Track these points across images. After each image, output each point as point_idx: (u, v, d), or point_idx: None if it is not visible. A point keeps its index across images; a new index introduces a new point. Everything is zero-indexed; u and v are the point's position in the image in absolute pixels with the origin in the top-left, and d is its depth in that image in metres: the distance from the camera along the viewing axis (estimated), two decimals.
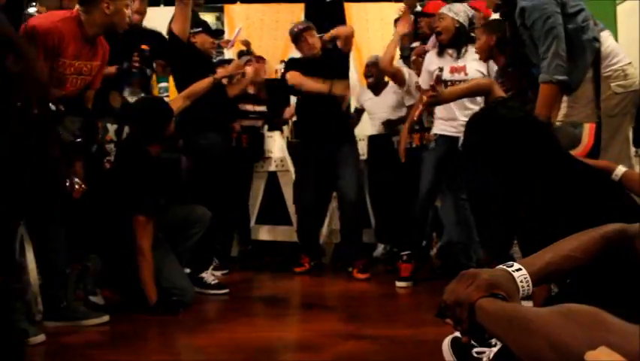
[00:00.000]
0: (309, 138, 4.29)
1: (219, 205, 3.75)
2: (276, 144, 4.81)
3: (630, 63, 2.64)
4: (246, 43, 5.38)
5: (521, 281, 1.05)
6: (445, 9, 3.76)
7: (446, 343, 2.00)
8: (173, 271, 3.21)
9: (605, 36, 2.67)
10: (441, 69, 3.71)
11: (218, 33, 4.31)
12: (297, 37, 4.22)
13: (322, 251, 4.61)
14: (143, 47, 3.86)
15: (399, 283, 3.71)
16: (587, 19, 2.62)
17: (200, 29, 3.94)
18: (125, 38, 3.77)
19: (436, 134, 3.78)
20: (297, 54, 4.42)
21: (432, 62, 3.80)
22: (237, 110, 4.61)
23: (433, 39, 4.12)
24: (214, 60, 4.44)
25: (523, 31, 2.66)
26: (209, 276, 3.67)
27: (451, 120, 3.70)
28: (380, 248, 4.83)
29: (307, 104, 4.28)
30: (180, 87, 3.89)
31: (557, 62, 2.53)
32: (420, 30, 4.39)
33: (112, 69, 3.76)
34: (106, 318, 2.89)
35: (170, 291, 3.13)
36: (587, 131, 2.52)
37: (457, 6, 3.70)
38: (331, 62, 4.22)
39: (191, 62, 3.83)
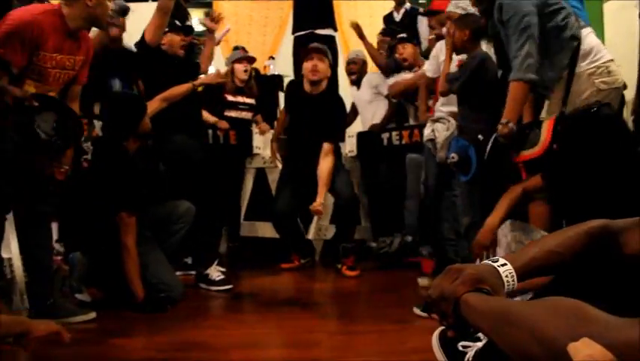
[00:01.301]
0: (295, 154, 4.30)
1: (209, 202, 3.74)
2: (265, 141, 4.80)
3: (612, 60, 2.65)
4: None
5: (506, 276, 1.05)
6: (451, 6, 3.68)
7: (435, 336, 2.01)
8: (160, 267, 3.20)
9: (586, 32, 2.67)
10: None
11: (187, 30, 4.20)
12: (305, 53, 4.24)
13: (312, 249, 4.57)
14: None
15: (421, 281, 3.60)
16: (568, 17, 2.63)
17: (166, 30, 3.83)
18: (108, 57, 3.80)
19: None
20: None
21: (442, 51, 3.73)
22: (226, 102, 4.62)
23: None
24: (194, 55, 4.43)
25: (500, 28, 2.67)
26: (215, 272, 3.66)
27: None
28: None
29: (296, 121, 4.29)
30: (149, 91, 3.88)
31: (529, 62, 2.54)
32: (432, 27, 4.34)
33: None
34: (93, 315, 2.87)
35: (158, 287, 3.12)
36: (546, 127, 2.49)
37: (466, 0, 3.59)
38: (328, 105, 4.19)
39: (158, 66, 3.80)
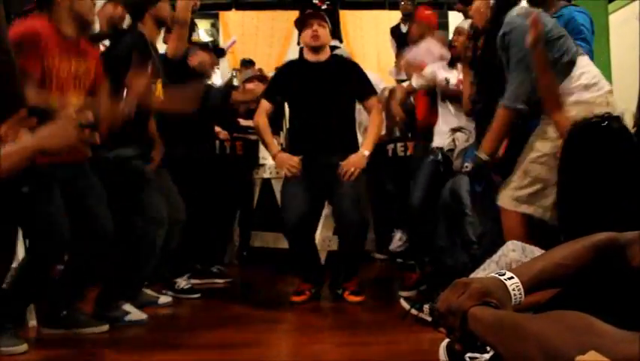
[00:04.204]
0: (304, 150, 3.59)
1: (206, 213, 3.74)
2: None
3: (611, 91, 2.70)
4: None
5: (513, 289, 1.06)
6: (465, 24, 3.62)
7: (442, 347, 2.02)
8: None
9: (587, 62, 2.72)
10: (447, 81, 3.68)
11: (219, 52, 4.27)
12: (302, 21, 3.68)
13: (323, 273, 3.82)
14: None
15: (402, 293, 3.57)
16: (566, 43, 2.69)
17: (197, 49, 3.94)
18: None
19: (437, 148, 3.69)
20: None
21: (439, 71, 3.76)
22: (238, 126, 4.67)
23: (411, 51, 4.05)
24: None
25: (502, 54, 2.72)
26: (182, 282, 3.71)
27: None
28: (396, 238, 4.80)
29: (305, 98, 3.63)
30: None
31: (521, 91, 2.62)
32: (411, 35, 4.30)
33: None
34: (105, 328, 2.87)
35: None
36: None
37: None
38: (340, 71, 3.68)
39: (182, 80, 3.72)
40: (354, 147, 3.62)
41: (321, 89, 3.57)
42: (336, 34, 5.48)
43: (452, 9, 4.06)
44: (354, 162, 3.49)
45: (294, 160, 3.50)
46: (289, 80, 3.67)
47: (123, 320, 3.01)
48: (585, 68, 2.68)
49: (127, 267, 3.13)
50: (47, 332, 2.80)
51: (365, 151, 3.54)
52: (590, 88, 2.64)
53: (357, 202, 3.48)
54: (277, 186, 4.71)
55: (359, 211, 3.47)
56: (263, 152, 4.77)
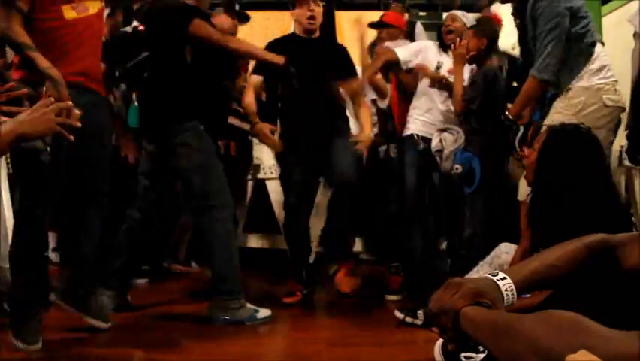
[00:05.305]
0: (296, 141, 3.61)
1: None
2: (265, 152, 4.82)
3: (617, 81, 2.72)
4: None
5: (506, 290, 1.06)
6: (459, 12, 3.74)
7: (437, 346, 2.02)
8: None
9: (602, 48, 2.75)
10: (439, 66, 3.69)
11: (243, 16, 4.05)
12: None
13: (315, 273, 3.87)
14: None
15: (389, 297, 3.60)
16: (589, 25, 2.72)
17: (220, 9, 3.76)
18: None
19: (417, 135, 3.66)
20: None
21: (431, 50, 3.75)
22: (231, 109, 4.65)
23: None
24: None
25: (531, 26, 2.73)
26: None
27: (431, 125, 3.64)
28: None
29: (293, 103, 3.66)
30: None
31: (549, 62, 2.64)
32: (381, 40, 4.27)
33: None
34: (106, 325, 2.81)
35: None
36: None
37: (471, 15, 3.70)
38: (329, 47, 3.77)
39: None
40: (344, 118, 3.73)
41: (312, 62, 3.52)
42: (331, 34, 5.49)
43: (446, 11, 4.07)
44: (364, 141, 3.63)
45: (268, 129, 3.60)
46: (280, 52, 3.50)
47: (256, 317, 3.02)
48: (600, 53, 2.71)
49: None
50: (59, 303, 2.71)
51: (369, 133, 3.71)
52: (600, 73, 2.67)
53: (353, 163, 3.53)
54: (271, 187, 4.72)
55: (354, 170, 3.51)
56: (257, 152, 4.77)
